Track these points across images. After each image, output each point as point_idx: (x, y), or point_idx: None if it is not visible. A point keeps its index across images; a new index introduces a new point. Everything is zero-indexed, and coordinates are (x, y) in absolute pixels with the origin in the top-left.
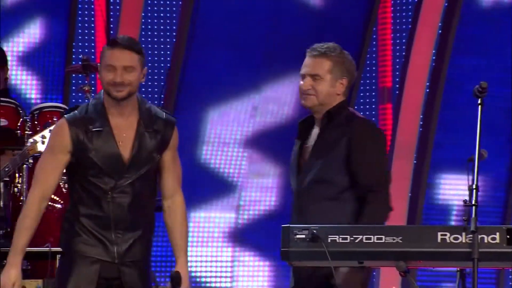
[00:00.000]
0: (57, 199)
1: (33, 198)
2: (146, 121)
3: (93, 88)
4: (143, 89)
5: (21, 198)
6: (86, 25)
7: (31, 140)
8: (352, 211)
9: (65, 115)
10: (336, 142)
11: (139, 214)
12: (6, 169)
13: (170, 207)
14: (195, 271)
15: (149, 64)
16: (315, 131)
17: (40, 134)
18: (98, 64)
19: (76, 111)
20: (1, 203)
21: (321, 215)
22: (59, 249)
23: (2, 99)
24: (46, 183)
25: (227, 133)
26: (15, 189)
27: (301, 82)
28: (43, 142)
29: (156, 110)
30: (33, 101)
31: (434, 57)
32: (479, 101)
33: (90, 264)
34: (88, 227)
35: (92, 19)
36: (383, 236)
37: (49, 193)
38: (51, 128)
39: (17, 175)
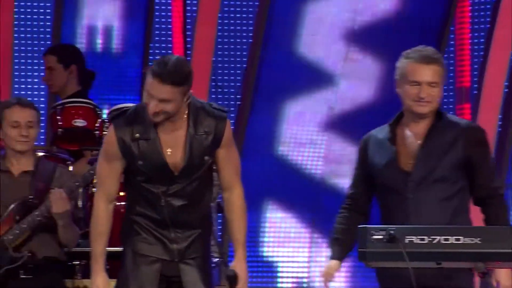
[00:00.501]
0: None
1: (98, 203)
2: (195, 124)
3: None
4: (220, 89)
5: None
6: (163, 25)
7: None
8: (465, 211)
9: (114, 120)
10: (451, 143)
11: (196, 213)
12: (91, 171)
13: (229, 199)
14: (272, 271)
15: (225, 65)
16: (408, 133)
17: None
18: None
19: (124, 115)
20: (80, 204)
21: (437, 216)
22: None
23: (80, 100)
24: (107, 187)
25: (303, 133)
26: (93, 189)
27: (415, 90)
28: None
29: (207, 108)
30: (111, 102)
31: None
32: None
33: (150, 263)
34: (147, 226)
35: (169, 20)
36: (461, 237)
37: (113, 195)
38: None
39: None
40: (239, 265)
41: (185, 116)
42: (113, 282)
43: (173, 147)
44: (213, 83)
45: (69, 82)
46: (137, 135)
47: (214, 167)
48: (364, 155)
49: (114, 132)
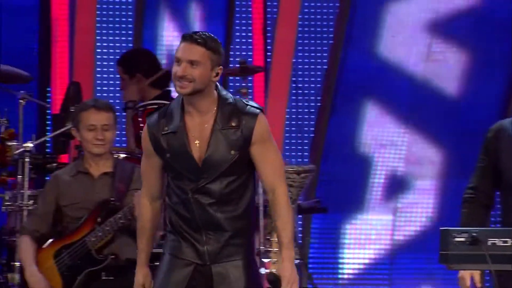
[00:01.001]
0: None
1: (142, 201)
2: (223, 118)
3: (250, 91)
4: (300, 91)
5: None
6: (244, 27)
7: None
8: None
9: (147, 117)
10: None
11: (227, 214)
12: None
13: (272, 201)
14: (353, 274)
15: (306, 66)
16: None
17: None
18: (254, 66)
19: (158, 111)
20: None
21: None
22: None
23: (161, 102)
24: (149, 184)
25: (383, 134)
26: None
27: None
28: None
29: (240, 104)
30: None
31: None
32: None
33: (183, 266)
34: (180, 228)
35: (249, 21)
36: None
37: (156, 193)
38: None
39: None
40: (283, 265)
41: (215, 109)
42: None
43: (200, 140)
44: (294, 85)
45: (143, 90)
46: (166, 128)
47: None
48: (494, 145)
49: (146, 128)
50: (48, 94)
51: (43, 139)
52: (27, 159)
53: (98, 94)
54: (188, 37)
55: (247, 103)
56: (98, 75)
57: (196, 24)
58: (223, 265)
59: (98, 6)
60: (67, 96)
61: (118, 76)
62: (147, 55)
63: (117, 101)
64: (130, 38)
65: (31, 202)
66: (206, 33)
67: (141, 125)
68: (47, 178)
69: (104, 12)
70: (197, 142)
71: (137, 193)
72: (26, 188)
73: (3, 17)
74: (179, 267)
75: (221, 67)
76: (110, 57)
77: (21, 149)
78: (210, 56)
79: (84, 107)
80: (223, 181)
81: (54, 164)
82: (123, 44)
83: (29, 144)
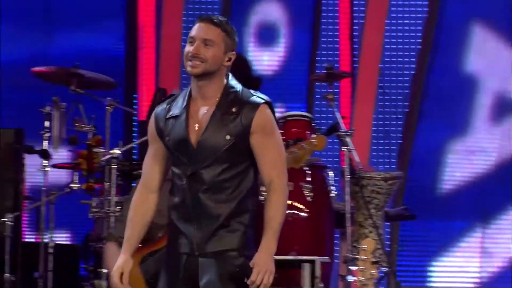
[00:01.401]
0: (302, 207)
1: (137, 190)
2: (225, 104)
3: (336, 97)
4: (387, 96)
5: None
6: (330, 33)
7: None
8: None
9: (158, 105)
10: None
11: (218, 202)
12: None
13: (267, 192)
14: (440, 282)
15: (393, 71)
16: None
17: (291, 149)
18: (341, 72)
19: (167, 101)
20: None
21: None
22: (304, 257)
23: None
24: (147, 174)
25: (472, 140)
26: (260, 197)
27: None
28: (294, 158)
29: (245, 93)
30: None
31: None
32: None
33: (177, 259)
34: (175, 219)
35: (336, 27)
36: None
37: (154, 184)
38: (304, 143)
39: None
40: (258, 255)
41: (219, 95)
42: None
43: (199, 124)
44: (381, 90)
45: None
46: (170, 113)
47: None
48: None
49: (153, 114)
50: (134, 101)
51: (129, 145)
52: (114, 166)
53: None
54: (204, 17)
55: (253, 93)
56: (184, 82)
57: (282, 30)
58: (213, 257)
59: (184, 12)
60: (153, 102)
61: None
62: (241, 56)
63: None
64: None
65: (118, 208)
66: (222, 17)
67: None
68: (133, 184)
69: (190, 19)
70: (196, 125)
71: None
72: (113, 194)
73: (90, 24)
74: (174, 261)
75: (234, 52)
76: None
77: (108, 156)
78: (224, 39)
79: None
80: (217, 167)
81: (141, 171)
82: None
83: (116, 151)
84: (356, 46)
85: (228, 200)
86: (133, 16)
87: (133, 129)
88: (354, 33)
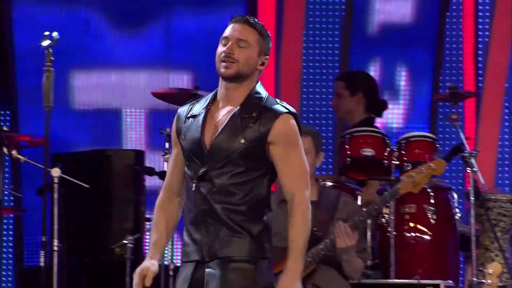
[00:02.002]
0: (425, 229)
1: (160, 194)
2: (247, 108)
3: (460, 117)
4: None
5: (389, 229)
6: (454, 52)
7: (403, 178)
8: None
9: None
10: None
11: (227, 206)
12: (376, 206)
13: (289, 208)
14: None
15: None
16: None
17: (410, 173)
18: (465, 91)
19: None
20: (368, 234)
21: None
22: (428, 281)
23: (368, 128)
24: (169, 177)
25: None
26: (382, 219)
27: None
28: (413, 182)
29: (269, 100)
30: (394, 130)
31: None
32: None
33: (187, 267)
34: (187, 224)
35: (460, 45)
36: None
37: (177, 188)
38: (422, 168)
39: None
40: (283, 276)
41: (243, 99)
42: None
43: (216, 124)
44: (506, 110)
45: (356, 109)
46: (191, 112)
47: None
48: None
49: (176, 115)
50: None
51: None
52: None
53: (304, 121)
54: (239, 17)
55: (279, 102)
56: (304, 102)
57: (404, 48)
58: (225, 263)
59: (304, 32)
60: None
61: (324, 103)
62: (370, 76)
63: (323, 128)
64: (336, 64)
65: None
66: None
67: (347, 152)
68: None
69: (311, 39)
70: (213, 126)
71: (338, 224)
72: None
73: (209, 46)
74: (185, 269)
75: (267, 57)
76: (316, 84)
77: None
78: (259, 41)
79: None
80: (228, 171)
81: None
82: (330, 70)
83: None
84: (481, 65)
85: (238, 205)
86: None
87: None
88: (478, 52)
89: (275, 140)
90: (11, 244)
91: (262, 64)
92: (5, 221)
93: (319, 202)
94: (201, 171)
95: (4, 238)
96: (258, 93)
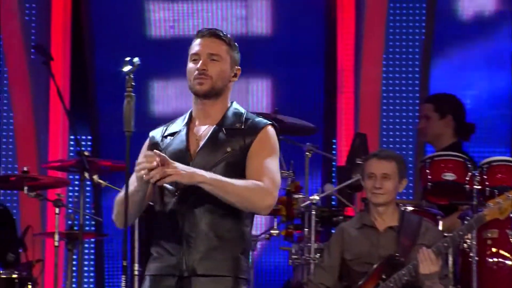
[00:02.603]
0: (508, 255)
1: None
2: (228, 121)
3: None
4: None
5: (471, 255)
6: None
7: (489, 204)
8: None
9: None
10: None
11: (214, 219)
12: (460, 232)
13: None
14: None
15: None
16: None
17: (496, 200)
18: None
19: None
20: (450, 259)
21: None
22: None
23: (451, 153)
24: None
25: None
26: (464, 245)
27: None
28: (499, 209)
29: (249, 114)
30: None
31: None
32: None
33: (165, 283)
34: (160, 239)
35: None
36: None
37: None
38: (510, 194)
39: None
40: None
41: (222, 115)
42: None
43: (199, 138)
44: None
45: (444, 133)
46: (167, 131)
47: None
48: None
49: (149, 138)
50: (333, 146)
51: (329, 191)
52: (313, 212)
53: (384, 146)
54: (206, 32)
55: (259, 116)
56: (383, 126)
57: (479, 72)
58: (204, 280)
59: (384, 56)
60: (352, 147)
61: (405, 127)
62: (458, 99)
63: (403, 152)
64: (416, 88)
65: (317, 255)
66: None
67: (428, 177)
68: (332, 230)
69: (391, 62)
70: (195, 140)
71: (422, 250)
72: (312, 241)
73: (289, 70)
74: (161, 284)
75: (239, 67)
76: (396, 107)
77: (307, 202)
78: (229, 52)
79: (368, 156)
80: None
81: (341, 217)
82: (410, 94)
83: (315, 197)
84: None
85: (224, 217)
86: (333, 60)
87: (332, 174)
88: None
89: (255, 148)
90: (92, 269)
91: (235, 75)
92: (86, 245)
93: (400, 227)
94: (184, 184)
95: (85, 263)
96: (237, 108)
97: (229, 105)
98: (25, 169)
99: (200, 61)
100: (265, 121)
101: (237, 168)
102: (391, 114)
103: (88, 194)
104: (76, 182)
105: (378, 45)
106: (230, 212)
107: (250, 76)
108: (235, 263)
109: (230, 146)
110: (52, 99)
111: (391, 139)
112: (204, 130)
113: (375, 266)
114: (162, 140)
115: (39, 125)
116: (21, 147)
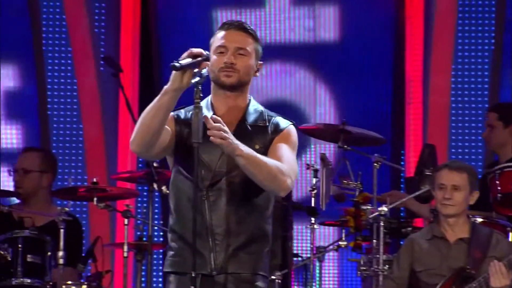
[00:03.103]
0: None
1: None
2: (251, 117)
3: None
4: None
5: None
6: None
7: None
8: None
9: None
10: None
11: (243, 217)
12: None
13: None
14: None
15: None
16: None
17: None
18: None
19: (183, 108)
20: None
21: None
22: None
23: None
24: None
25: None
26: None
27: None
28: None
29: (270, 112)
30: None
31: None
32: None
33: (189, 282)
34: (184, 235)
35: None
36: None
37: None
38: None
39: None
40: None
41: (244, 107)
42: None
43: None
44: None
45: (509, 142)
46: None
47: None
48: None
49: (175, 114)
50: (401, 157)
51: (397, 203)
52: (381, 223)
53: (452, 157)
54: (234, 24)
55: (277, 115)
56: (452, 137)
57: None
58: (231, 278)
59: (453, 66)
60: (421, 158)
61: (474, 138)
62: None
63: (472, 163)
64: (485, 99)
65: (386, 267)
66: (246, 23)
67: (498, 188)
68: (401, 242)
69: (459, 72)
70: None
71: (493, 263)
72: (381, 252)
73: (357, 80)
74: (186, 284)
75: (261, 62)
76: (465, 118)
77: (376, 213)
78: (255, 47)
79: (439, 167)
80: (244, 178)
81: (409, 228)
82: (479, 105)
83: (384, 208)
84: None
85: (252, 214)
86: (401, 70)
87: (401, 185)
88: None
89: (277, 141)
90: (160, 279)
91: (257, 70)
92: (154, 256)
93: (471, 239)
94: (211, 179)
95: (154, 273)
96: (256, 105)
97: (248, 100)
98: (94, 180)
99: (228, 54)
100: (287, 121)
101: None
102: (460, 125)
103: (156, 205)
104: (145, 193)
105: (447, 55)
106: (255, 210)
107: (318, 86)
108: (261, 261)
109: (257, 143)
110: (121, 110)
111: (459, 150)
112: (229, 124)
113: (445, 278)
114: (187, 128)
115: (108, 136)
116: (90, 158)
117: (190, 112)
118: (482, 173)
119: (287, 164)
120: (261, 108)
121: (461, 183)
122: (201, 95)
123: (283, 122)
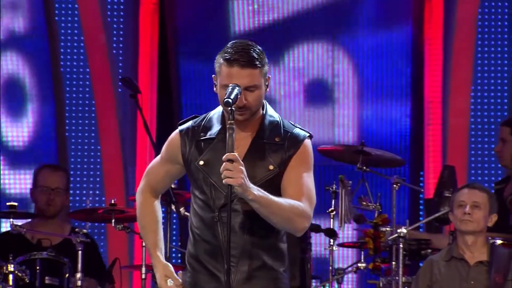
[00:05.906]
0: None
1: (143, 195)
2: (267, 132)
3: None
4: None
5: None
6: None
7: None
8: None
9: (181, 124)
10: None
11: (258, 239)
12: None
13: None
14: None
15: None
16: None
17: None
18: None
19: (191, 121)
20: None
21: None
22: None
23: None
24: (153, 179)
25: None
26: None
27: None
28: None
29: (286, 123)
30: None
31: None
32: None
33: None
34: (200, 257)
35: None
36: None
37: (160, 191)
38: None
39: None
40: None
41: (259, 121)
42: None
43: (238, 150)
44: None
45: None
46: (202, 134)
47: None
48: None
49: (177, 133)
50: (420, 178)
51: (416, 224)
52: (401, 245)
53: (472, 178)
54: (241, 60)
55: (294, 124)
56: (472, 159)
57: None
58: None
59: (472, 87)
60: (441, 180)
61: (493, 159)
62: None
63: (492, 184)
64: (505, 107)
65: None
66: (251, 44)
67: None
68: (420, 263)
69: (479, 94)
70: (235, 152)
71: None
72: (400, 274)
73: (376, 102)
74: None
75: (269, 76)
76: (485, 139)
77: (395, 235)
78: (264, 73)
79: (460, 187)
80: None
81: (429, 250)
82: (498, 126)
83: (403, 230)
84: None
85: (268, 236)
86: (420, 92)
87: (420, 207)
88: None
89: (295, 162)
90: None
91: (267, 86)
92: None
93: (491, 262)
94: (225, 200)
95: None
96: (272, 116)
97: (263, 111)
98: (112, 201)
99: (239, 98)
100: (304, 133)
101: (278, 185)
102: (479, 146)
103: (174, 226)
104: (163, 215)
105: (466, 77)
106: (270, 231)
107: (337, 108)
108: (279, 281)
109: (272, 163)
110: (139, 131)
111: (479, 171)
112: (242, 141)
113: None
114: (197, 145)
115: (126, 157)
116: (108, 179)
117: (200, 127)
118: (494, 188)
119: (305, 199)
120: (276, 118)
121: (482, 201)
122: (235, 116)
123: (300, 136)
